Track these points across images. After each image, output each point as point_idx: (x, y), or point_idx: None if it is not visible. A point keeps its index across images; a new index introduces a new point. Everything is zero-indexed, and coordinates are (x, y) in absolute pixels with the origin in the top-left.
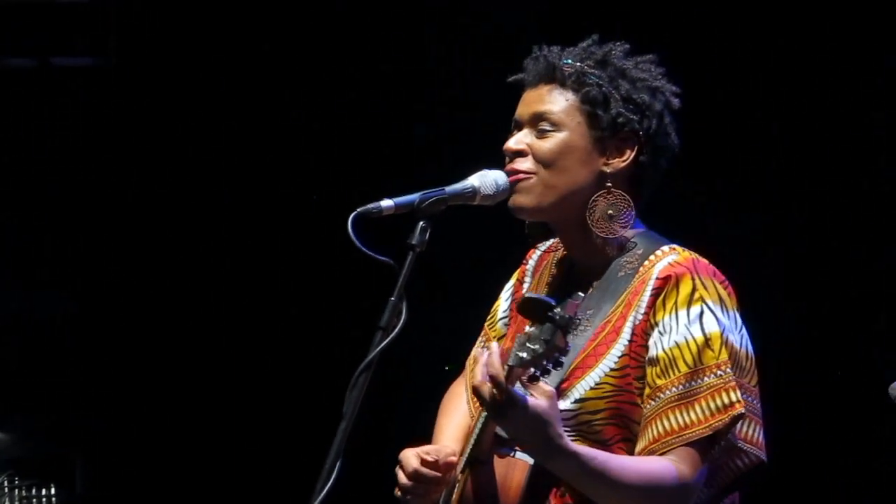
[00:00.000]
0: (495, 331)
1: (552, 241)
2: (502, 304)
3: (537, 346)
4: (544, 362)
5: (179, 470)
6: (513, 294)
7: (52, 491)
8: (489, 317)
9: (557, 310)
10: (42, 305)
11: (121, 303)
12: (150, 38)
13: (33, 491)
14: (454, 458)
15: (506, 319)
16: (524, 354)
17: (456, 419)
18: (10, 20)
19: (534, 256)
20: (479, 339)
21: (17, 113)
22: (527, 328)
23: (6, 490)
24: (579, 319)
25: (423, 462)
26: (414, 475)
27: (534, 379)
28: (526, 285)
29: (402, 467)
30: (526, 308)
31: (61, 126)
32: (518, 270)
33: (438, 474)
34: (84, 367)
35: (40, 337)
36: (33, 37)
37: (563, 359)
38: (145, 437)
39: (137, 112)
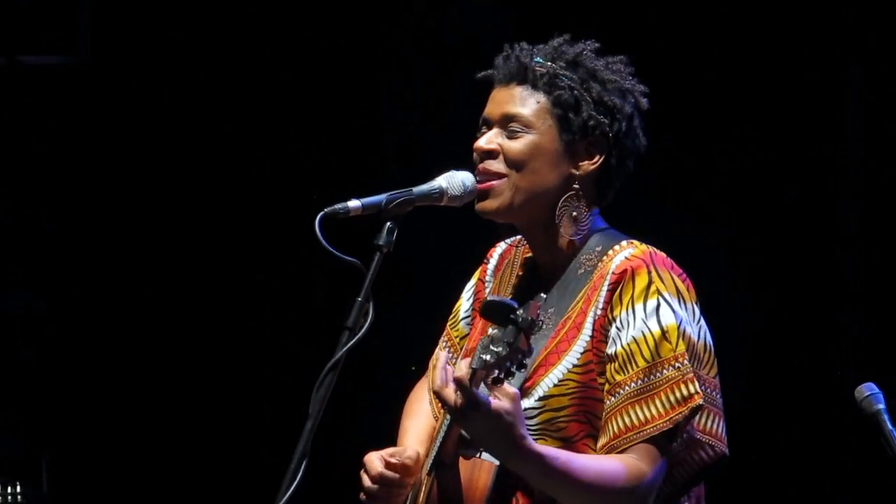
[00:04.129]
0: (457, 331)
1: (513, 238)
2: (464, 303)
3: (500, 349)
4: (507, 364)
5: (146, 468)
6: (474, 294)
7: (18, 489)
8: (451, 317)
9: (520, 312)
10: (10, 304)
11: (90, 302)
12: (121, 36)
13: None
14: (418, 460)
15: (468, 319)
16: (487, 357)
17: (420, 421)
18: None
19: (494, 255)
20: (442, 339)
21: None
22: (490, 330)
23: None
24: (542, 321)
25: (388, 465)
26: (378, 478)
27: (497, 381)
28: (488, 286)
29: (366, 471)
30: (488, 311)
31: (31, 125)
32: (479, 269)
33: (402, 476)
34: (51, 366)
35: (6, 335)
36: (1, 35)
37: (527, 360)
38: (112, 436)
39: (109, 110)
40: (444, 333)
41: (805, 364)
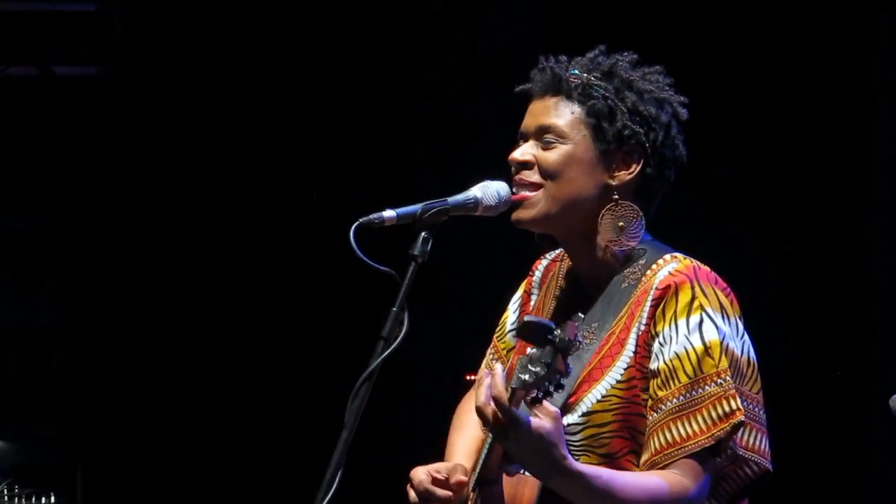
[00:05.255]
0: (504, 343)
1: (558, 250)
2: (510, 316)
3: (539, 369)
4: (546, 384)
5: (179, 479)
6: (520, 306)
7: (52, 499)
8: (498, 328)
9: (557, 332)
10: (42, 315)
11: (121, 311)
12: (153, 47)
13: (33, 499)
14: (464, 477)
15: (514, 332)
16: (526, 377)
17: (467, 434)
18: (12, 28)
19: (539, 267)
20: (489, 350)
21: (19, 121)
22: (528, 350)
23: (6, 498)
24: (579, 342)
25: (434, 480)
26: (424, 493)
27: (536, 401)
28: (534, 298)
29: (412, 485)
30: (525, 332)
31: (63, 135)
32: (525, 282)
33: (448, 493)
34: (84, 376)
35: (40, 346)
36: (36, 45)
37: (565, 381)
38: (145, 446)
39: (140, 121)
40: (492, 345)
41: (837, 372)
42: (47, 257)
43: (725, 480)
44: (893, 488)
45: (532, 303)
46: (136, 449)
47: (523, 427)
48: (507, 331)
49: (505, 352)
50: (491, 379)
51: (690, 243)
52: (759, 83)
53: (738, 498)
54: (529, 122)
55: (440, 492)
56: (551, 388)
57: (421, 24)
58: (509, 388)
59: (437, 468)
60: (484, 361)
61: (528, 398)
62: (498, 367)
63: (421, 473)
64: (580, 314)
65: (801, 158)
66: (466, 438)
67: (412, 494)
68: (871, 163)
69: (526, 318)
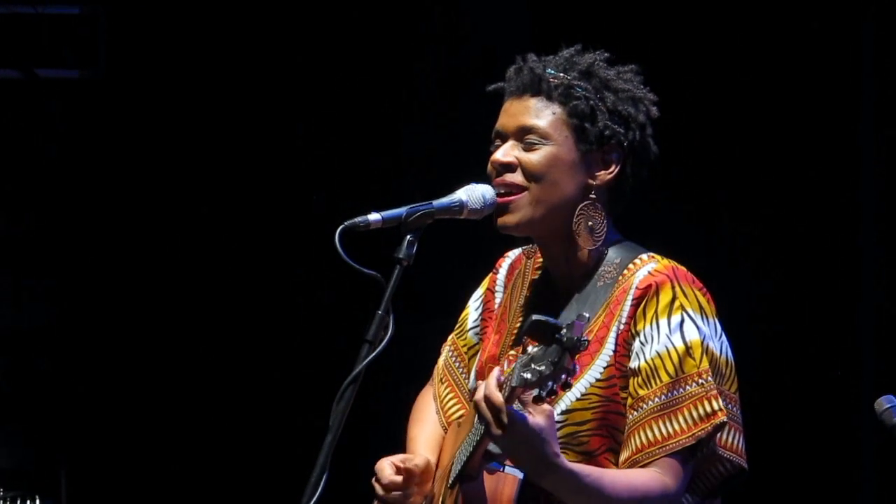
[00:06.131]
0: (464, 340)
1: (523, 248)
2: (471, 313)
3: (543, 368)
4: (550, 383)
5: (164, 482)
6: (483, 304)
7: (37, 502)
8: (457, 326)
9: (564, 331)
10: (26, 317)
11: (105, 313)
12: (139, 50)
13: (18, 502)
14: (428, 467)
15: (476, 329)
16: (528, 375)
17: (427, 428)
18: None
19: (504, 265)
20: (447, 347)
21: (2, 125)
22: (530, 349)
23: None
24: (587, 340)
25: (399, 471)
26: (391, 485)
27: (538, 400)
28: (498, 296)
29: (377, 479)
30: (533, 330)
31: (47, 139)
32: (488, 279)
33: (413, 482)
34: (69, 378)
35: (24, 348)
36: (19, 48)
37: (571, 380)
38: (130, 449)
39: (125, 124)
40: (450, 343)
41: (821, 372)
42: (32, 260)
43: (700, 478)
44: (885, 490)
45: (497, 301)
46: (122, 452)
47: (517, 424)
48: (467, 328)
49: (465, 349)
50: (487, 379)
51: (686, 246)
52: (749, 88)
53: (712, 494)
54: (507, 122)
55: (405, 482)
56: (555, 387)
57: (409, 26)
58: (507, 387)
59: (402, 458)
60: (441, 358)
61: (530, 396)
62: (497, 369)
63: (386, 466)
64: (585, 314)
65: (795, 162)
66: (427, 433)
67: (378, 487)
68: (860, 164)
69: (534, 317)
